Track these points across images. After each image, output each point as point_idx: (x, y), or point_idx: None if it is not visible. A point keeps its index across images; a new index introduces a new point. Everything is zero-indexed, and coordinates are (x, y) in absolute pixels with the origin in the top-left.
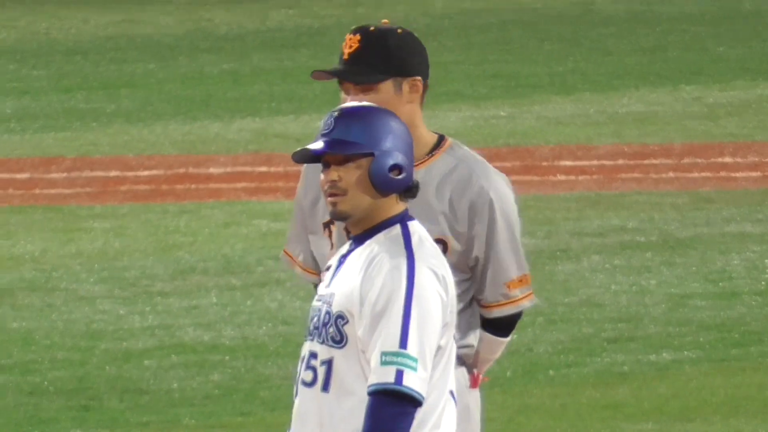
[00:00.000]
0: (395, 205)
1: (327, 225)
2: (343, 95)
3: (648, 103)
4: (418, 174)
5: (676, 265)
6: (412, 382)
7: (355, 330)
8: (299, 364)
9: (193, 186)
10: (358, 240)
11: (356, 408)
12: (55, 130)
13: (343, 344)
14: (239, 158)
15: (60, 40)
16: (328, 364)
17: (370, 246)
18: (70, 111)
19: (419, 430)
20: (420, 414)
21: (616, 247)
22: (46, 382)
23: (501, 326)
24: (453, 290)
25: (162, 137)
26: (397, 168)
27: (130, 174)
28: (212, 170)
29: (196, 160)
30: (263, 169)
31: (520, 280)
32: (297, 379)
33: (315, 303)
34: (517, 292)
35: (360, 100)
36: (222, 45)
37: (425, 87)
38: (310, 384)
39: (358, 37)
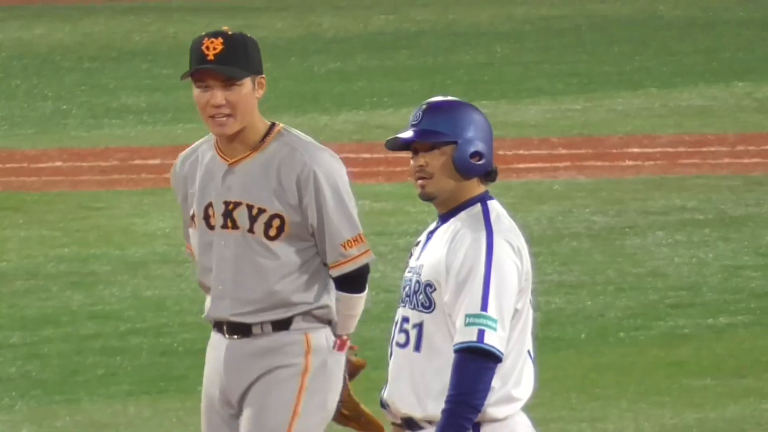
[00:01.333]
0: (477, 187)
1: (192, 218)
2: (198, 92)
3: (705, 97)
4: (252, 160)
5: (730, 240)
6: (493, 340)
7: (442, 296)
8: (393, 327)
9: None
10: (444, 218)
11: (444, 365)
12: (182, 122)
13: (431, 309)
14: (345, 146)
15: (187, 42)
16: (419, 327)
17: (454, 223)
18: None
19: (503, 387)
20: (502, 372)
21: (677, 224)
22: (176, 344)
23: (352, 283)
24: (527, 259)
25: None
26: (477, 155)
27: None
28: None
29: None
30: (366, 155)
31: (355, 240)
32: (391, 342)
33: (406, 274)
34: (353, 251)
35: (224, 96)
36: (329, 47)
37: None
38: (404, 345)
39: (220, 40)
